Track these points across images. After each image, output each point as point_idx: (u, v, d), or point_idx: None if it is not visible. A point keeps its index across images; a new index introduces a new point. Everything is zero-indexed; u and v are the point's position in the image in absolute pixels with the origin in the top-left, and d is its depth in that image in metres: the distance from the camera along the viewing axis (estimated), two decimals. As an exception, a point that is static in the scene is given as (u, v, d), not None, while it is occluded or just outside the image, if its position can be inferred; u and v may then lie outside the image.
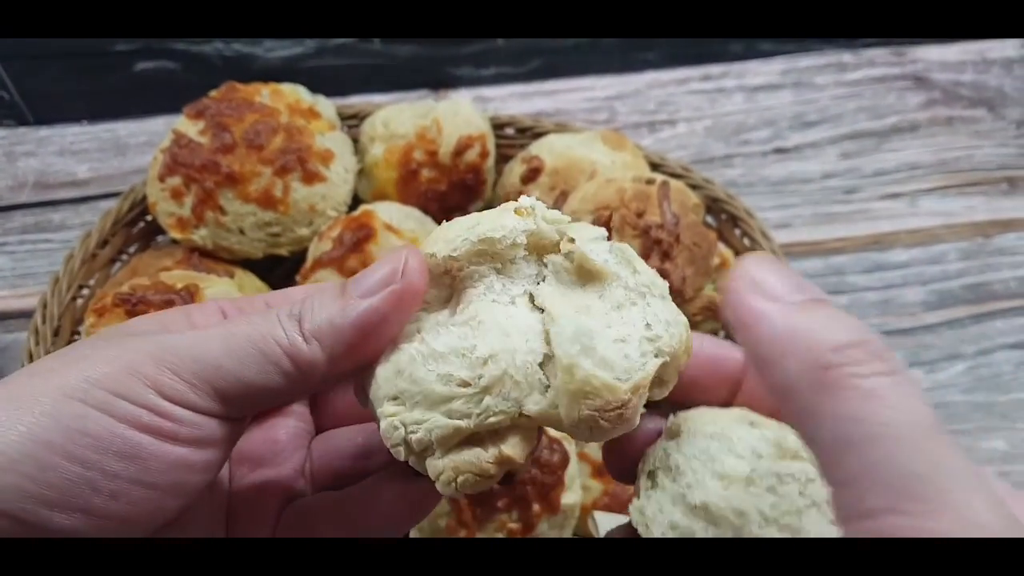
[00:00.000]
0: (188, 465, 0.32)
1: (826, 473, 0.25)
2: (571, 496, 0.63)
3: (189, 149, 0.73)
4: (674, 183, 0.71)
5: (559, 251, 0.35)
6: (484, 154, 0.78)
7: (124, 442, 0.30)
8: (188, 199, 0.73)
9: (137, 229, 0.79)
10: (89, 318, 0.63)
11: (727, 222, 0.76)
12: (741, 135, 1.11)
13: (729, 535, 0.34)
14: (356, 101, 0.89)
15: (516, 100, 1.16)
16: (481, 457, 0.32)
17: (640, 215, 0.67)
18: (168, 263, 0.73)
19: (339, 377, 0.34)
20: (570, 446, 0.64)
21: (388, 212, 0.73)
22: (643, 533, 0.35)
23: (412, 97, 1.12)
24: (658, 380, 0.33)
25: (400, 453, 0.33)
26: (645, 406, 0.33)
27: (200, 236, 0.73)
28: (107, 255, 0.76)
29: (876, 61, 1.21)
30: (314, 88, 0.84)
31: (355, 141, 0.82)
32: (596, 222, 0.68)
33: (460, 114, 0.78)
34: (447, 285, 0.35)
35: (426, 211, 0.77)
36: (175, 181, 0.73)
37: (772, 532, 0.33)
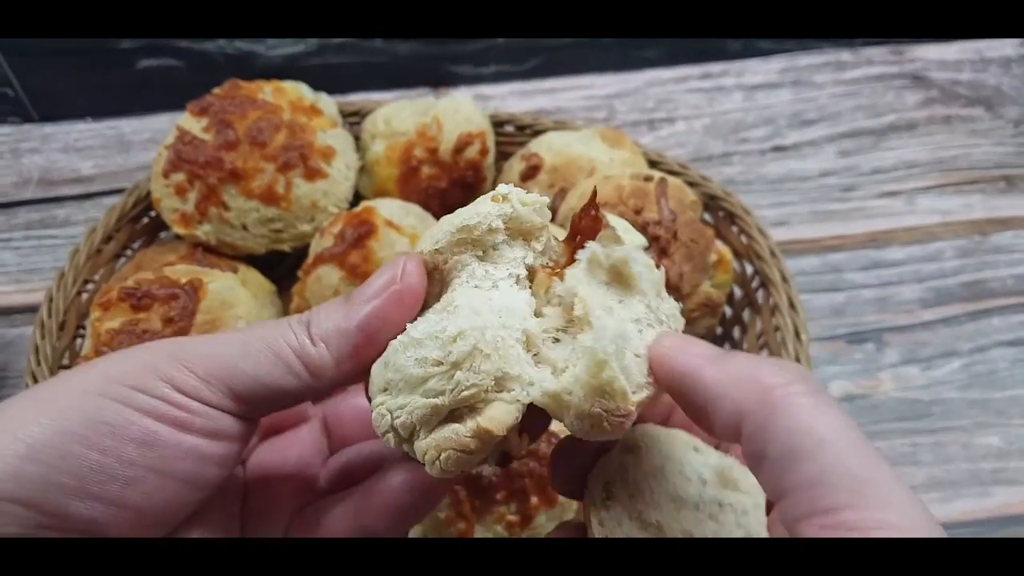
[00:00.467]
0: (202, 456, 0.34)
1: (777, 483, 0.29)
2: (569, 488, 0.63)
3: (193, 146, 0.74)
4: (672, 180, 0.71)
5: (543, 236, 0.36)
6: (484, 151, 0.79)
7: (140, 430, 0.32)
8: (192, 195, 0.74)
9: (141, 225, 0.80)
10: (94, 312, 0.64)
11: (724, 219, 0.77)
12: (739, 133, 1.12)
13: None
14: (357, 99, 0.90)
15: (516, 98, 1.17)
16: (459, 432, 0.32)
17: (638, 212, 0.68)
18: (172, 258, 0.74)
19: (346, 378, 0.36)
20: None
21: (389, 208, 0.74)
22: None
23: (413, 95, 1.13)
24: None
25: (390, 440, 0.34)
26: None
27: (204, 232, 0.74)
28: (112, 250, 0.77)
29: (874, 60, 1.22)
30: (316, 86, 0.84)
31: (356, 138, 0.83)
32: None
33: (460, 112, 0.79)
34: (438, 281, 0.37)
35: (427, 208, 0.78)
36: (179, 177, 0.74)
37: None
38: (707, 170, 1.01)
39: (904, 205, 1.02)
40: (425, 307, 0.36)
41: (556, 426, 0.38)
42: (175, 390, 0.33)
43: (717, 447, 0.40)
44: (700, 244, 0.70)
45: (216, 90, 0.79)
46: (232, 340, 0.35)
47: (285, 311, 0.76)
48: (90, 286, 0.75)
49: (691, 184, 0.75)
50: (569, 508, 0.65)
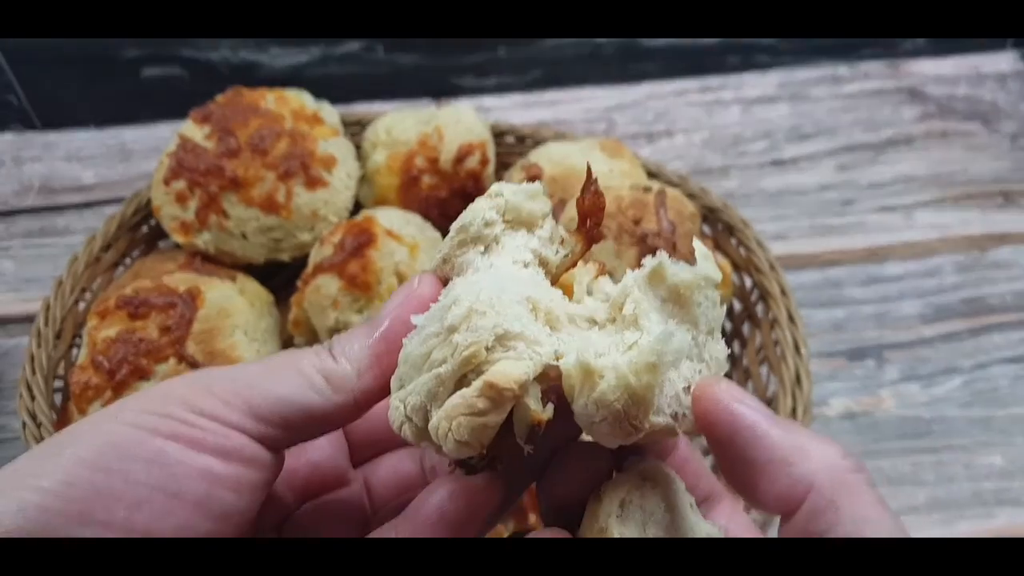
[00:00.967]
0: (214, 476, 0.32)
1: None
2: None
3: (194, 153, 0.74)
4: (671, 191, 0.72)
5: (545, 224, 0.36)
6: (484, 161, 0.79)
7: (148, 449, 0.31)
8: (192, 203, 0.74)
9: (141, 233, 0.80)
10: (92, 320, 0.63)
11: (723, 231, 0.77)
12: (738, 147, 1.12)
13: None
14: (360, 109, 0.90)
15: (517, 110, 1.17)
16: (467, 395, 0.31)
17: (637, 222, 0.68)
18: (171, 267, 0.74)
19: (370, 391, 0.35)
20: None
21: (389, 218, 0.74)
22: None
23: (415, 106, 1.13)
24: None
25: (407, 433, 0.33)
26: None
27: (203, 240, 0.74)
28: (111, 259, 0.77)
29: (871, 74, 1.22)
30: (319, 96, 0.85)
31: (358, 147, 0.83)
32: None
33: (461, 122, 0.79)
34: None
35: (427, 217, 0.78)
36: (180, 185, 0.74)
37: None
38: (706, 183, 1.00)
39: (902, 220, 1.02)
40: None
41: None
42: (190, 410, 0.32)
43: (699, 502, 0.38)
44: (699, 256, 0.70)
45: (219, 98, 0.79)
46: (255, 364, 0.35)
47: (283, 321, 0.76)
48: (88, 295, 0.75)
49: (690, 196, 0.76)
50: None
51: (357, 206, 0.81)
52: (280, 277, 0.80)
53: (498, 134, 0.84)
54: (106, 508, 0.30)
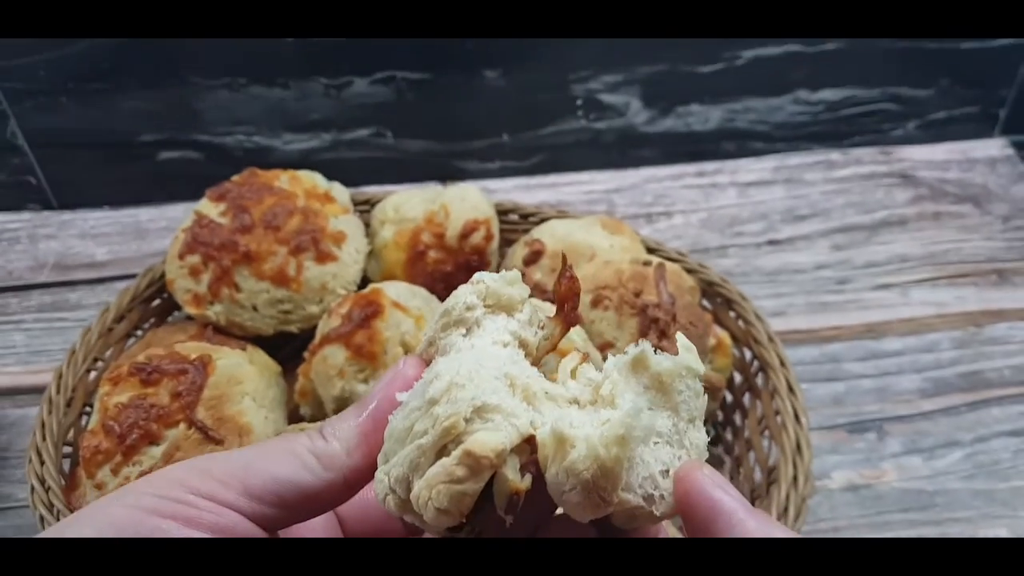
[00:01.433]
0: None
1: None
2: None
3: (209, 229, 0.77)
4: (670, 266, 0.74)
5: (524, 308, 0.37)
6: (489, 237, 0.82)
7: (144, 526, 0.32)
8: (205, 276, 0.76)
9: (153, 306, 0.82)
10: (104, 387, 0.65)
11: (722, 305, 0.79)
12: (735, 227, 1.16)
13: None
14: (369, 190, 0.94)
15: (520, 192, 1.21)
16: (446, 464, 0.31)
17: (638, 294, 0.70)
18: (182, 338, 0.75)
19: (359, 469, 0.36)
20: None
21: (396, 290, 0.76)
22: None
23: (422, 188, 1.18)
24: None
25: (391, 504, 0.34)
26: None
27: (215, 312, 0.76)
28: (123, 330, 0.79)
29: (863, 160, 1.27)
30: (329, 179, 0.88)
31: (367, 225, 0.86)
32: (594, 301, 0.71)
33: (467, 199, 0.82)
34: None
35: (432, 290, 0.80)
36: (194, 259, 0.76)
37: None
38: (704, 262, 1.03)
39: (898, 297, 1.04)
40: None
41: None
42: (188, 491, 0.34)
43: None
44: (699, 328, 0.71)
45: (235, 177, 0.82)
46: (251, 448, 0.37)
47: (290, 392, 0.77)
48: (99, 364, 0.76)
49: (689, 271, 0.78)
50: None
51: (365, 280, 0.83)
52: (287, 349, 0.82)
53: (502, 212, 0.87)
54: None
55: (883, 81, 1.24)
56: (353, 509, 0.42)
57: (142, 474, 0.59)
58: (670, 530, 0.36)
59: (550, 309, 0.40)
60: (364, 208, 0.88)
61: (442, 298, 0.80)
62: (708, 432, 0.64)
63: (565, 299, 0.38)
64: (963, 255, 1.11)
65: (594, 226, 0.82)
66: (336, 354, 0.71)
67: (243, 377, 0.65)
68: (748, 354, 0.76)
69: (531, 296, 0.71)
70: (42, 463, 0.64)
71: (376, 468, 0.35)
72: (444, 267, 0.82)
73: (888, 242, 1.13)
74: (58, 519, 0.60)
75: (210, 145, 1.17)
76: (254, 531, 0.35)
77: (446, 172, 1.24)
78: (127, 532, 0.32)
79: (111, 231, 1.16)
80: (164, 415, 0.60)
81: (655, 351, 0.34)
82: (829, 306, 1.03)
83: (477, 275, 0.38)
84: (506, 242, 0.86)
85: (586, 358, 0.38)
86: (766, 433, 0.71)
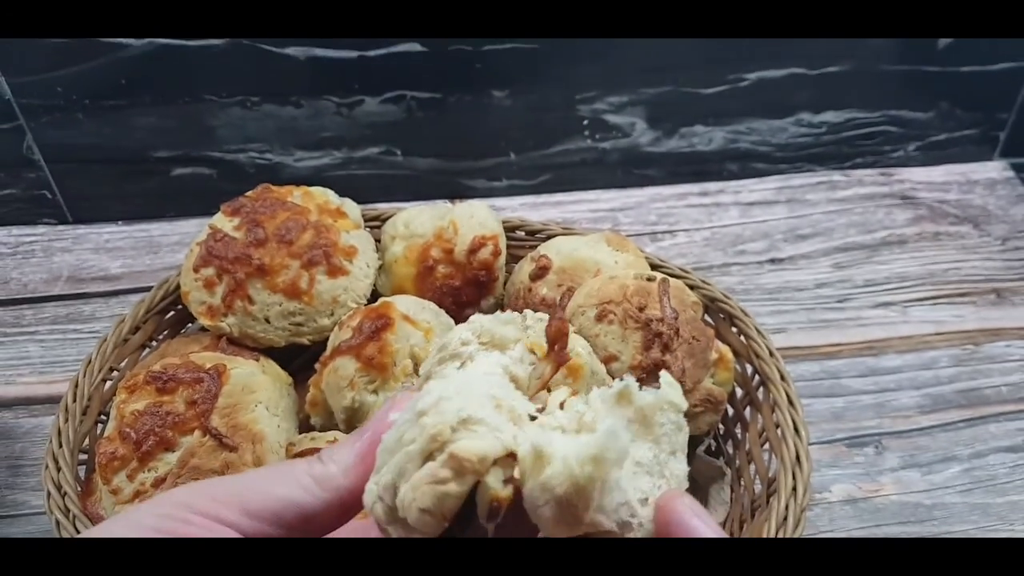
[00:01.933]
0: None
1: None
2: None
3: (224, 243, 0.79)
4: (674, 282, 0.76)
5: (517, 347, 0.39)
6: (496, 253, 0.84)
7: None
8: (220, 289, 0.78)
9: (168, 317, 0.84)
10: (120, 394, 0.66)
11: (724, 320, 0.80)
12: (738, 246, 1.18)
13: None
14: (380, 207, 0.96)
15: (526, 210, 1.23)
16: (432, 467, 0.32)
17: (641, 309, 0.72)
18: (196, 349, 0.77)
19: (356, 489, 0.37)
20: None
21: (405, 304, 0.78)
22: None
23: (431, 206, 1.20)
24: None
25: (379, 512, 0.35)
26: None
27: (228, 323, 0.78)
28: (138, 341, 0.81)
29: (865, 181, 1.29)
30: (340, 196, 0.90)
31: (377, 240, 0.88)
32: (599, 316, 0.73)
33: (475, 216, 0.84)
34: None
35: (441, 304, 0.82)
36: (209, 272, 0.78)
37: None
38: (707, 279, 1.05)
39: (898, 315, 1.06)
40: None
41: None
42: (188, 510, 0.35)
43: None
44: (701, 342, 0.73)
45: (249, 193, 0.84)
46: (253, 472, 0.39)
47: (301, 402, 0.78)
48: (115, 374, 0.78)
49: (692, 287, 0.80)
50: None
51: (375, 295, 0.85)
52: (299, 360, 0.83)
53: (510, 228, 0.89)
54: None
55: (884, 104, 1.27)
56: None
57: (157, 480, 0.61)
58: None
59: (542, 348, 0.41)
60: (375, 224, 0.90)
61: (450, 312, 0.83)
62: (709, 445, 0.66)
63: (555, 339, 0.40)
64: (962, 275, 1.13)
65: (599, 242, 0.84)
66: (347, 365, 0.73)
67: (256, 386, 0.66)
68: (749, 368, 0.77)
69: (537, 310, 0.73)
70: (58, 469, 0.66)
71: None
72: (453, 282, 0.83)
73: (888, 261, 1.15)
74: (74, 524, 0.62)
75: (223, 162, 1.20)
76: None
77: (454, 190, 1.26)
78: None
79: (124, 245, 1.18)
80: (179, 422, 0.62)
81: (639, 386, 0.36)
82: (830, 323, 1.05)
83: (474, 316, 0.40)
84: (513, 258, 0.88)
85: (575, 393, 0.39)
86: (766, 446, 0.72)
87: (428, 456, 0.33)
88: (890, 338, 1.02)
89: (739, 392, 0.79)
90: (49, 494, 0.64)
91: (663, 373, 0.38)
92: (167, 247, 1.17)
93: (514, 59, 1.13)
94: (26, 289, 1.11)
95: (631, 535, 0.34)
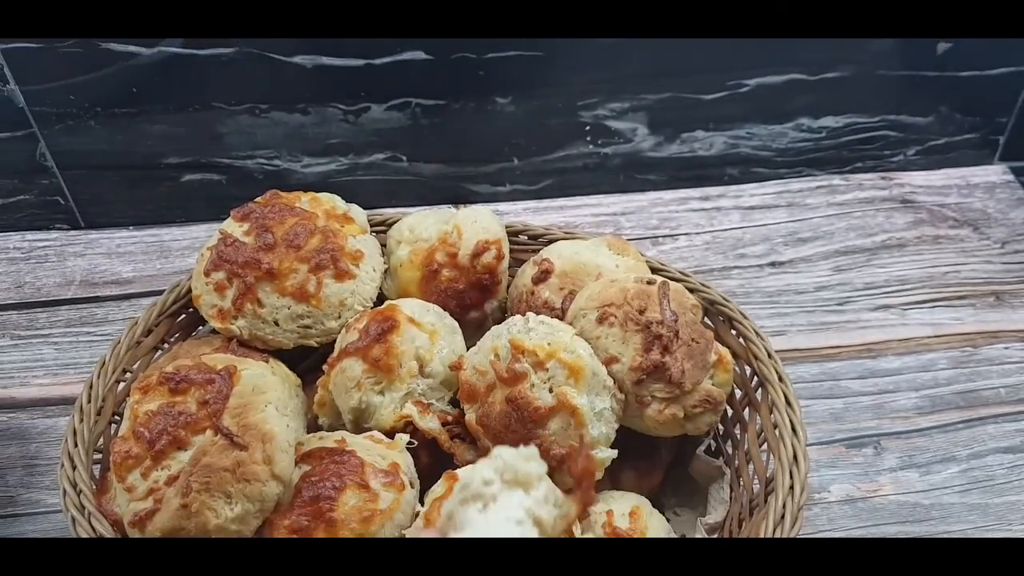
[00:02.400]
0: None
1: None
2: None
3: (234, 247, 0.81)
4: (673, 284, 0.77)
5: (541, 485, 0.40)
6: (500, 257, 0.85)
7: None
8: (230, 292, 0.80)
9: (179, 320, 0.86)
10: (134, 395, 0.68)
11: (723, 323, 0.82)
12: (738, 250, 1.19)
13: None
14: (386, 212, 0.98)
15: (529, 215, 1.25)
16: None
17: (641, 312, 0.73)
18: (207, 350, 0.79)
19: None
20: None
21: (411, 307, 0.79)
22: None
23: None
24: None
25: None
26: None
27: (238, 326, 0.80)
28: (151, 343, 0.83)
29: (864, 185, 1.30)
30: (347, 201, 0.92)
31: (383, 245, 0.90)
32: (600, 319, 0.74)
33: (479, 221, 0.86)
34: None
35: (445, 307, 0.83)
36: (219, 276, 0.80)
37: None
38: (708, 283, 1.07)
39: (897, 318, 1.07)
40: None
41: None
42: None
43: None
44: (700, 344, 0.74)
45: (258, 199, 0.86)
46: None
47: (309, 404, 0.80)
48: (128, 376, 0.80)
49: (691, 290, 0.81)
50: None
51: (381, 298, 0.87)
52: (307, 362, 0.85)
53: (513, 233, 0.91)
54: None
55: (884, 109, 1.28)
56: None
57: (171, 478, 0.63)
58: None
59: (565, 484, 0.40)
60: (380, 229, 0.92)
61: (454, 314, 0.84)
62: (708, 445, 0.64)
63: (581, 478, 0.40)
64: (961, 277, 1.14)
65: (600, 246, 0.85)
66: (354, 367, 0.75)
67: (266, 387, 0.68)
68: (748, 370, 0.79)
69: (539, 313, 0.74)
70: (74, 468, 0.67)
71: None
72: (457, 285, 0.85)
73: (888, 265, 1.16)
74: (89, 521, 0.64)
75: (232, 168, 1.22)
76: None
77: (459, 195, 1.28)
78: None
79: (136, 250, 1.20)
80: (192, 422, 0.64)
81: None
82: (829, 326, 1.06)
83: (496, 449, 0.39)
84: (516, 262, 0.90)
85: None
86: (764, 446, 0.73)
87: None
88: (889, 340, 1.04)
89: (738, 393, 0.80)
90: (65, 492, 0.65)
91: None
92: (177, 252, 1.20)
93: (517, 66, 1.15)
94: (40, 293, 1.13)
95: None
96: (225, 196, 1.22)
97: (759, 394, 0.77)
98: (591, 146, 1.26)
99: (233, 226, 0.84)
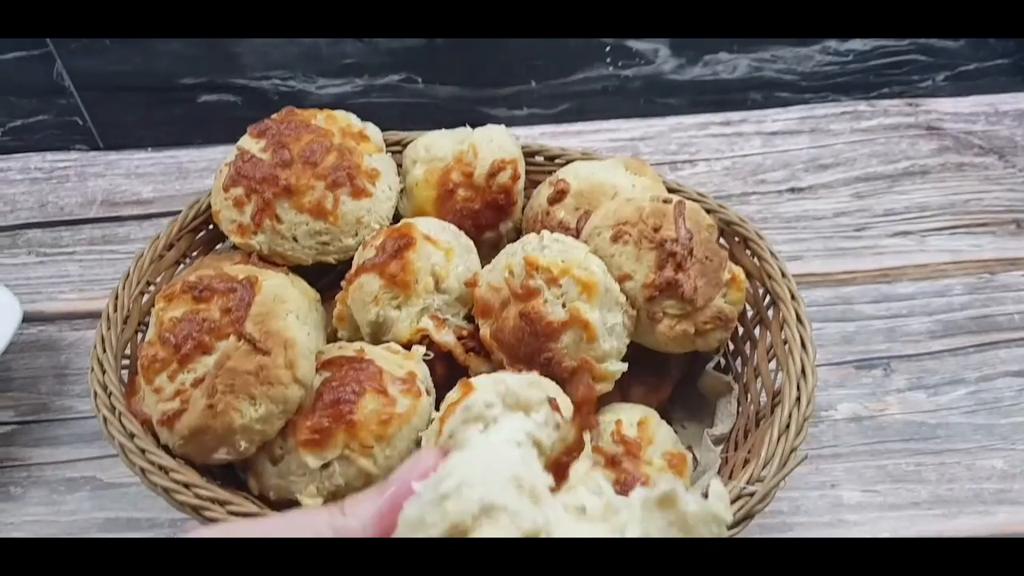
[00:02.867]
0: None
1: None
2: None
3: (252, 163, 0.81)
4: (690, 204, 0.77)
5: (541, 409, 0.40)
6: (515, 177, 0.85)
7: None
8: (248, 208, 0.81)
9: (200, 236, 0.88)
10: (159, 303, 0.70)
11: (739, 243, 0.82)
12: (758, 175, 1.18)
13: None
14: (401, 133, 0.98)
15: (546, 139, 1.24)
16: None
17: (656, 230, 0.73)
18: (228, 265, 0.80)
19: None
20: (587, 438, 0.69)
21: (427, 225, 0.80)
22: None
23: (451, 132, 1.21)
24: None
25: None
26: None
27: (258, 241, 0.81)
28: (173, 257, 0.85)
29: (890, 111, 1.28)
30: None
31: (399, 164, 0.90)
32: (614, 236, 0.75)
33: (494, 140, 0.86)
34: None
35: (461, 227, 0.84)
36: (238, 191, 0.81)
37: None
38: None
39: (915, 244, 1.07)
40: None
41: None
42: None
43: None
44: (714, 262, 0.75)
45: (274, 116, 0.87)
46: (276, 517, 0.40)
47: (328, 319, 0.82)
48: (151, 288, 0.82)
49: (708, 211, 0.81)
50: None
51: (397, 217, 0.88)
52: (326, 279, 0.87)
53: (529, 153, 0.91)
54: None
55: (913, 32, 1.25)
56: None
57: (196, 380, 0.65)
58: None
59: (567, 410, 0.41)
60: (396, 148, 0.92)
61: (470, 234, 0.85)
62: (718, 362, 0.65)
63: (581, 404, 0.41)
64: (983, 205, 1.13)
65: (618, 167, 0.85)
66: (371, 282, 0.76)
67: (287, 297, 0.70)
68: (761, 290, 0.79)
69: (554, 232, 0.75)
70: (103, 372, 0.70)
71: None
72: (472, 205, 0.86)
73: (909, 191, 1.15)
74: (120, 421, 0.66)
75: (247, 88, 1.22)
76: None
77: (475, 118, 1.25)
78: None
79: (155, 171, 1.21)
80: (216, 328, 0.66)
81: (685, 489, 0.35)
82: (846, 251, 1.06)
83: (500, 374, 0.41)
84: (532, 183, 0.90)
85: (598, 464, 0.40)
86: (774, 363, 0.74)
87: None
88: (905, 266, 1.04)
89: (749, 311, 0.81)
90: (96, 394, 0.68)
91: (713, 482, 0.37)
92: (195, 173, 1.21)
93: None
94: (63, 212, 1.15)
95: None
96: (241, 118, 1.21)
97: (771, 312, 0.77)
98: (611, 68, 1.24)
99: (250, 142, 0.84)
